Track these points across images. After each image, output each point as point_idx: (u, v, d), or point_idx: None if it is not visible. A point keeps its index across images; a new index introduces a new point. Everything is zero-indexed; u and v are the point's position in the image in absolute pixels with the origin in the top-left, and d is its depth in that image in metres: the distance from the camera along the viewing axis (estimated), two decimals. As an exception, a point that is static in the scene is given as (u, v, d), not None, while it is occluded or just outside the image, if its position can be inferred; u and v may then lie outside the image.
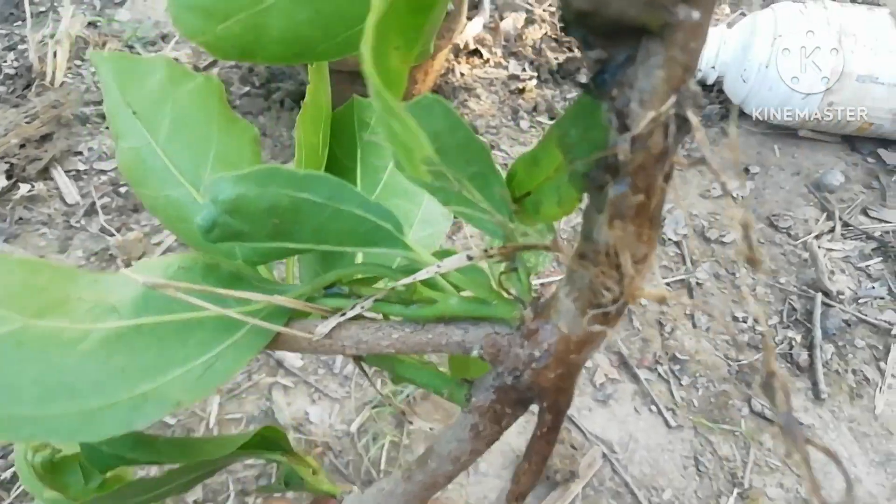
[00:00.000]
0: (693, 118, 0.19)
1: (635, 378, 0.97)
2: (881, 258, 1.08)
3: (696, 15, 0.19)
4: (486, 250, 0.26)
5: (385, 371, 0.34)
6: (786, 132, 1.27)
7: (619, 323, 0.26)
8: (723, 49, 1.20)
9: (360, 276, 0.33)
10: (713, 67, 1.22)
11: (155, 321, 0.27)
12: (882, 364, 0.97)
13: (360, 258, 0.38)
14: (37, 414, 0.22)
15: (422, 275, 0.27)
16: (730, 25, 1.47)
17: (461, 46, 1.40)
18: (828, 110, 1.14)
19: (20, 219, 1.12)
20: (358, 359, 0.34)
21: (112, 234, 1.11)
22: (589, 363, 0.99)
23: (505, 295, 0.28)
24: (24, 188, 1.14)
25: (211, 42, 0.25)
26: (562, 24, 0.21)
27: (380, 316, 0.31)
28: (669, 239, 1.12)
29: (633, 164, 0.21)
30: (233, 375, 0.25)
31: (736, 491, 0.87)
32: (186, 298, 0.26)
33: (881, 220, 1.13)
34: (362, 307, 0.29)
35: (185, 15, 0.24)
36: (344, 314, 0.29)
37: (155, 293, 0.27)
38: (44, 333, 0.23)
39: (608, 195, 0.22)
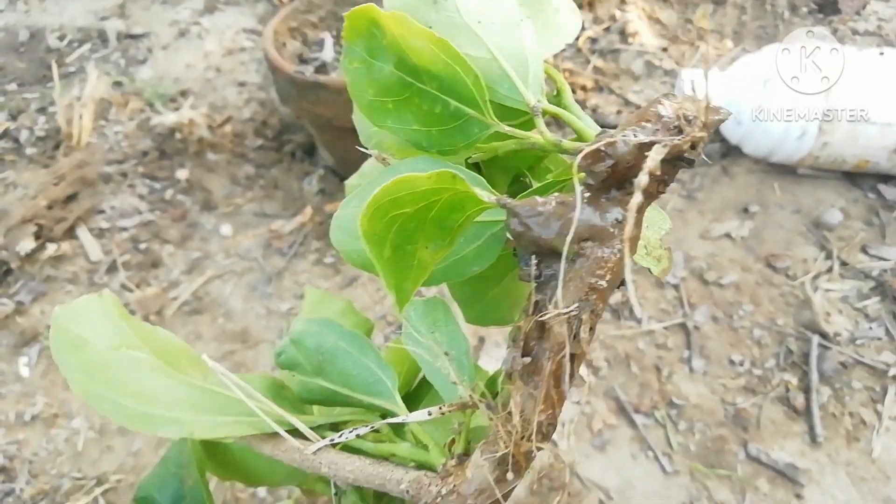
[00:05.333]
0: (584, 333, 0.28)
1: (632, 423, 0.99)
2: (879, 298, 1.08)
3: (599, 251, 0.28)
4: (439, 407, 0.35)
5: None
6: (786, 170, 1.29)
7: (520, 477, 0.30)
8: (715, 93, 1.22)
9: (357, 417, 0.43)
10: (707, 111, 1.24)
11: (216, 390, 0.39)
12: (879, 406, 0.97)
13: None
14: (121, 402, 0.35)
15: (394, 420, 0.37)
16: (733, 60, 1.49)
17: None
18: (822, 150, 1.16)
19: (48, 277, 1.19)
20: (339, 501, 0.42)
21: (132, 291, 1.17)
22: (587, 409, 1.02)
23: (445, 450, 0.36)
24: (51, 248, 1.21)
25: (346, 252, 0.36)
26: (512, 248, 0.31)
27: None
28: (668, 282, 1.14)
29: (529, 340, 0.29)
30: (234, 435, 0.38)
31: (732, 537, 0.88)
32: (227, 383, 0.37)
33: (880, 258, 1.13)
34: (346, 437, 0.38)
35: (337, 233, 0.36)
36: (332, 440, 0.37)
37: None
38: (153, 365, 0.38)
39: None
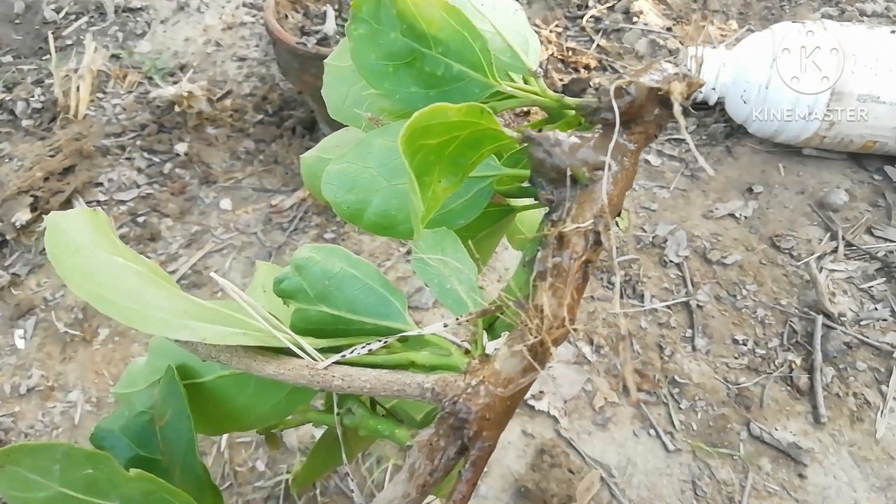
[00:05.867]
0: (605, 236, 0.31)
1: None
2: (884, 279, 1.07)
3: (606, 181, 0.32)
4: (456, 319, 0.35)
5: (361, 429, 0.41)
6: (790, 150, 1.27)
7: (543, 366, 0.32)
8: (722, 71, 1.20)
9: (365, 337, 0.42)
10: (713, 89, 1.22)
11: (219, 309, 0.38)
12: (884, 387, 0.96)
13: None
14: (127, 304, 0.34)
15: (409, 333, 0.37)
16: (738, 40, 1.47)
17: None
18: (829, 130, 1.14)
19: (44, 250, 1.17)
20: (341, 423, 0.41)
21: (129, 264, 1.15)
22: (589, 387, 1.01)
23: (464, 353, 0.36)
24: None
25: (336, 203, 0.39)
26: (529, 177, 0.35)
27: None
28: (671, 261, 1.13)
29: (552, 249, 0.32)
30: (245, 344, 0.36)
31: (733, 515, 0.88)
32: (237, 301, 0.37)
33: (886, 240, 1.12)
34: (358, 352, 0.37)
35: (328, 186, 0.39)
36: (343, 355, 0.37)
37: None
38: (152, 280, 0.37)
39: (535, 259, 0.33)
